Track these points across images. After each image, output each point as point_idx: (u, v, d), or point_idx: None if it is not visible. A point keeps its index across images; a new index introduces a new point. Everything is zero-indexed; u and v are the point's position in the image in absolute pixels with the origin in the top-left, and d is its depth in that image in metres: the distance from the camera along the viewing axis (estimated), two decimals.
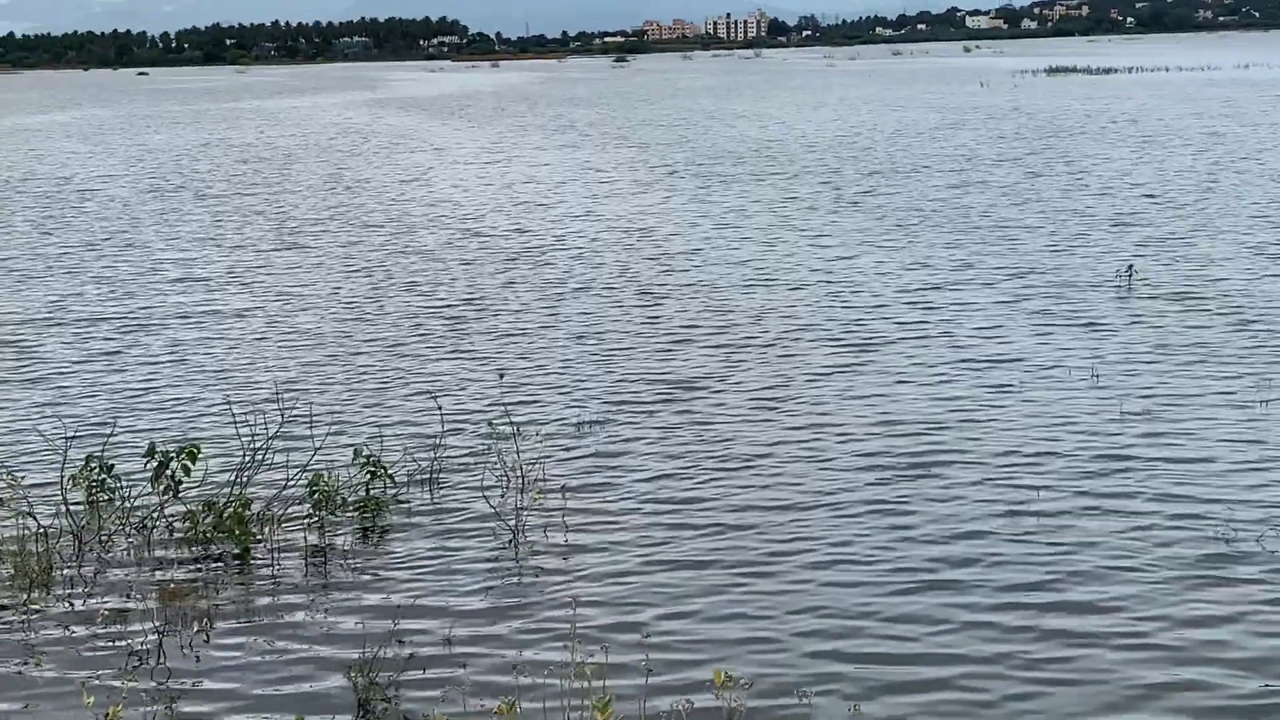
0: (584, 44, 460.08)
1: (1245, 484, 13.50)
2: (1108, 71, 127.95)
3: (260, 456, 13.97)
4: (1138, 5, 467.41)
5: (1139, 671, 9.72)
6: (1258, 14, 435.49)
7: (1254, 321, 20.77)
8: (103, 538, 12.91)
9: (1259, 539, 12.03)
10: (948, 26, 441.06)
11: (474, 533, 13.12)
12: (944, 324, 21.49)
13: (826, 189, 41.46)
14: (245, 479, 13.43)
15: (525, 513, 13.48)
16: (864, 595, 11.22)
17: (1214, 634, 10.27)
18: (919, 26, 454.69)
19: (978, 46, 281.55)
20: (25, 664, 10.42)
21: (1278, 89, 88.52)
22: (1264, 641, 10.13)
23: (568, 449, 15.69)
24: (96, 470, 13.74)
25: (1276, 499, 13.01)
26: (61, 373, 20.28)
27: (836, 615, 10.87)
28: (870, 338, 20.74)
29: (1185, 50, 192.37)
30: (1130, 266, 24.84)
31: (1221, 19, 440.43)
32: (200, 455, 13.36)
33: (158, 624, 10.92)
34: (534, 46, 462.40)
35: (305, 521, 13.23)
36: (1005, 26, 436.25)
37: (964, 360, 19.08)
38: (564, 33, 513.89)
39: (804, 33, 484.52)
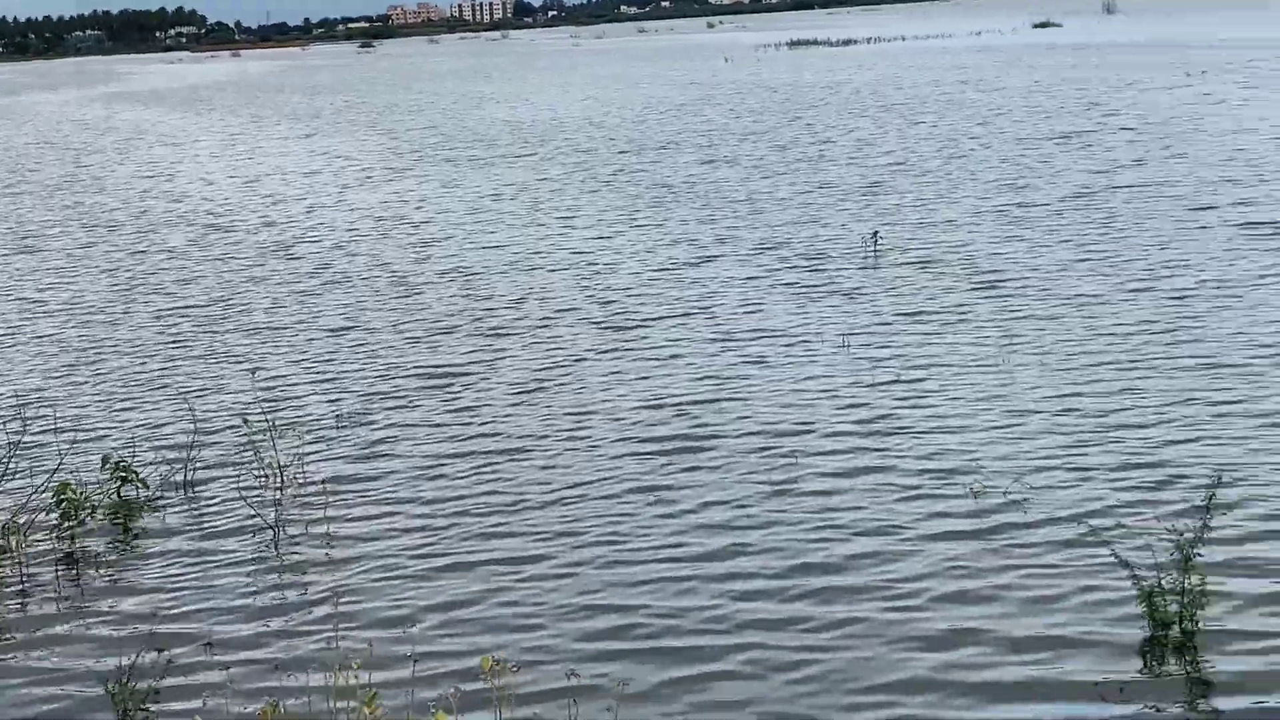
0: (327, 31, 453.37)
1: (996, 443, 13.86)
2: (847, 43, 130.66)
3: (2, 468, 13.42)
4: None
5: (911, 634, 9.89)
6: None
7: (998, 283, 21.38)
8: None
9: (1006, 494, 12.35)
10: (691, 3, 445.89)
11: (233, 534, 12.80)
12: (702, 300, 21.67)
13: (579, 169, 41.53)
14: None
15: (286, 511, 13.20)
16: (635, 577, 11.22)
17: (983, 586, 10.51)
18: (663, 4, 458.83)
19: (721, 22, 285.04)
20: None
21: (1008, 54, 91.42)
22: (1025, 593, 10.41)
23: (328, 445, 15.42)
24: None
25: (1025, 457, 13.38)
26: None
27: (608, 598, 10.85)
28: (631, 318, 20.80)
29: (920, 19, 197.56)
30: (875, 234, 25.36)
31: None
32: None
33: None
34: (276, 35, 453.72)
35: (54, 532, 12.75)
36: (747, 2, 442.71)
37: (723, 336, 19.26)
38: (306, 20, 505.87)
39: (549, 13, 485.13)
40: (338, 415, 16.54)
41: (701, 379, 17.07)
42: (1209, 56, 73.56)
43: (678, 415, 15.57)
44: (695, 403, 16.00)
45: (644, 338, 19.48)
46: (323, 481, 13.92)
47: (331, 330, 21.43)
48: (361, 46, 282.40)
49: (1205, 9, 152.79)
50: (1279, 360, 16.03)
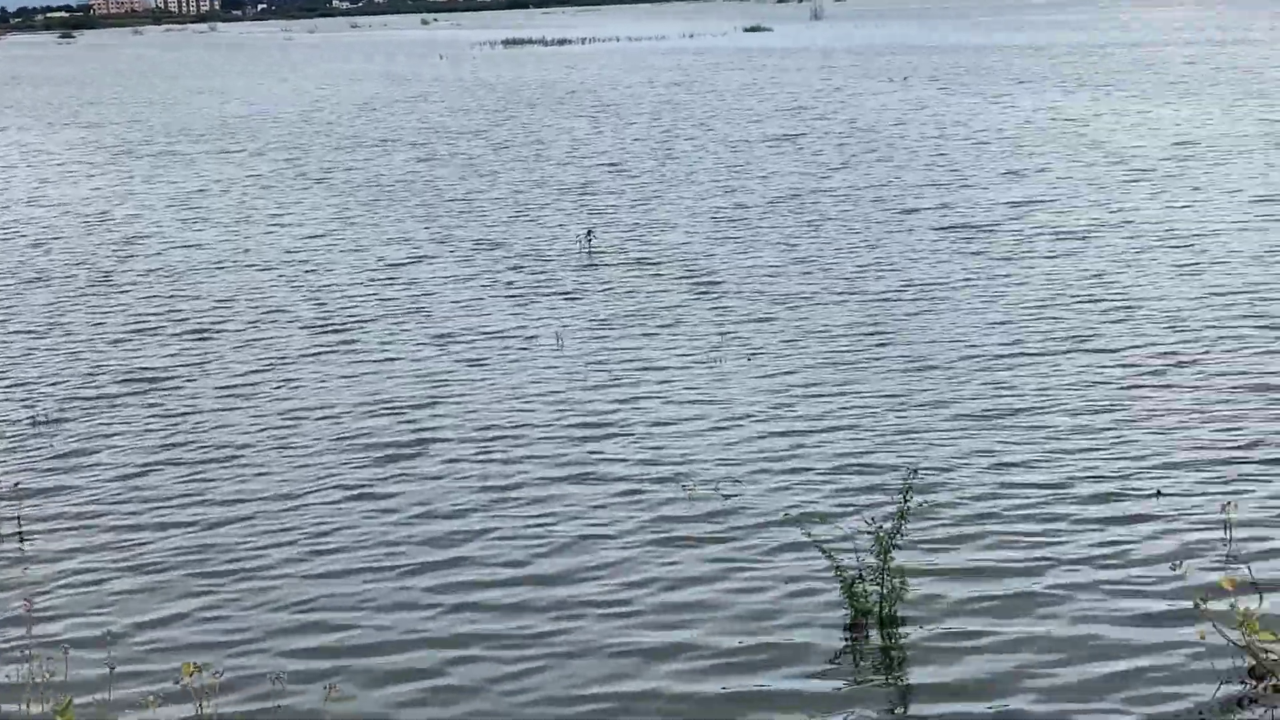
0: (25, 20, 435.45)
1: (709, 442, 14.02)
2: (562, 43, 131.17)
3: None
4: None
5: (630, 638, 9.92)
6: None
7: (711, 284, 21.68)
8: None
9: (720, 491, 12.52)
10: (405, 0, 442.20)
11: None
12: (417, 301, 21.44)
13: (291, 165, 40.76)
14: None
15: None
16: (348, 583, 11.00)
17: (699, 594, 10.59)
18: (376, 0, 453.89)
19: (435, 19, 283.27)
20: None
21: (719, 56, 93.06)
22: (738, 582, 10.55)
23: (24, 451, 14.74)
24: None
25: (738, 455, 13.57)
26: None
27: (319, 605, 10.62)
28: (345, 319, 20.45)
29: (635, 21, 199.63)
30: (589, 233, 25.49)
31: None
32: None
33: None
34: None
35: None
36: (461, 0, 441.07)
37: (439, 336, 19.08)
38: (3, 9, 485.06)
39: (259, 6, 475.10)
40: (34, 419, 15.86)
41: (417, 381, 16.87)
42: (910, 61, 76.13)
43: (394, 419, 15.34)
44: (411, 406, 15.79)
45: (358, 339, 19.16)
46: (16, 488, 13.29)
47: (29, 331, 20.55)
48: (61, 37, 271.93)
49: (906, 16, 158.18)
50: (980, 360, 16.58)
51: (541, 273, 23.19)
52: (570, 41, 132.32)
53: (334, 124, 54.44)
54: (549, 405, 15.62)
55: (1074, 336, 17.32)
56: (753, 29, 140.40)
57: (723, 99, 57.44)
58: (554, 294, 21.53)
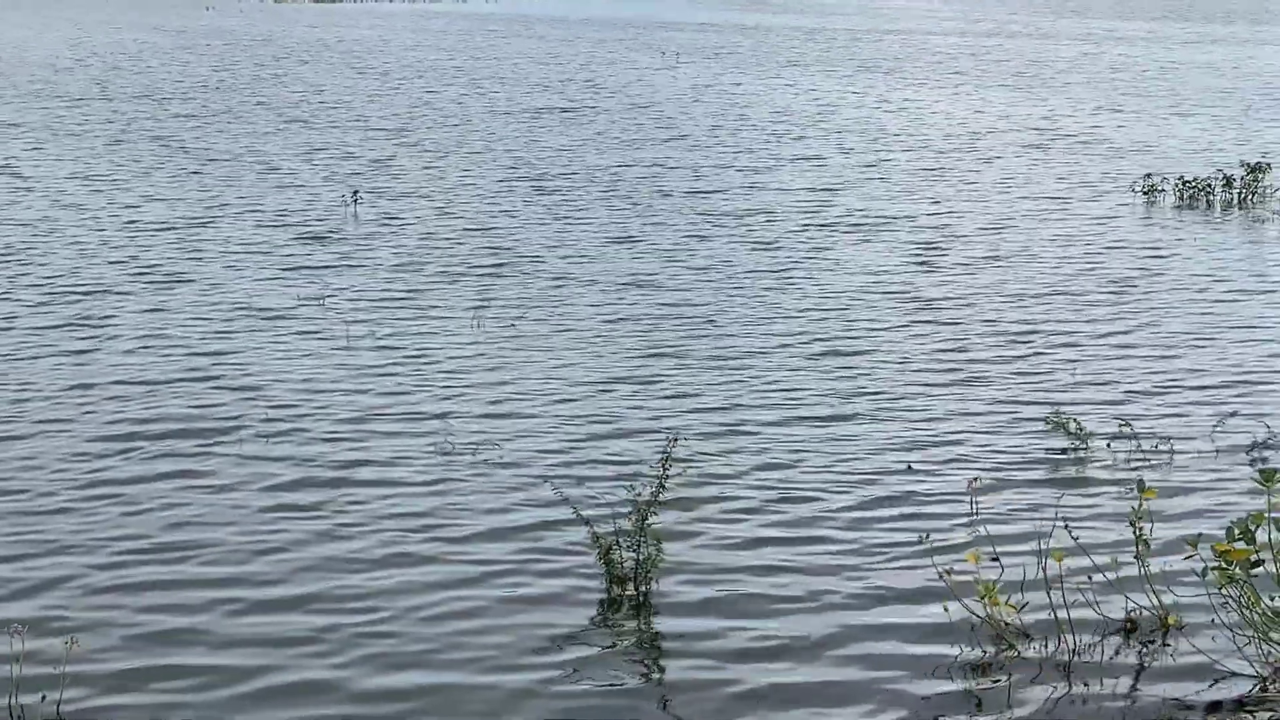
0: None
1: (469, 407, 13.97)
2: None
3: None
4: None
5: (384, 603, 9.82)
6: None
7: (482, 252, 21.59)
8: None
9: (480, 456, 12.49)
10: None
11: None
12: (180, 268, 20.68)
13: (40, 119, 39.23)
14: None
15: None
16: (72, 569, 10.65)
17: (456, 546, 10.54)
18: None
19: None
20: None
21: (494, 22, 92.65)
22: (500, 563, 10.51)
23: None
24: None
25: (498, 423, 13.53)
26: None
27: (61, 615, 10.27)
28: (98, 290, 19.33)
29: None
30: (356, 193, 25.21)
31: None
32: None
33: None
34: None
35: None
36: None
37: (205, 307, 18.40)
38: None
39: None
40: None
41: (182, 355, 16.15)
42: (681, 37, 76.83)
43: (155, 399, 14.55)
44: (174, 382, 15.04)
45: (114, 314, 18.22)
46: None
47: None
48: None
49: None
50: (744, 339, 16.79)
51: (309, 235, 22.77)
52: None
53: (91, 75, 52.64)
54: (328, 383, 15.19)
55: (838, 320, 17.62)
56: None
57: (501, 65, 57.18)
58: (320, 259, 21.17)
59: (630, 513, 9.91)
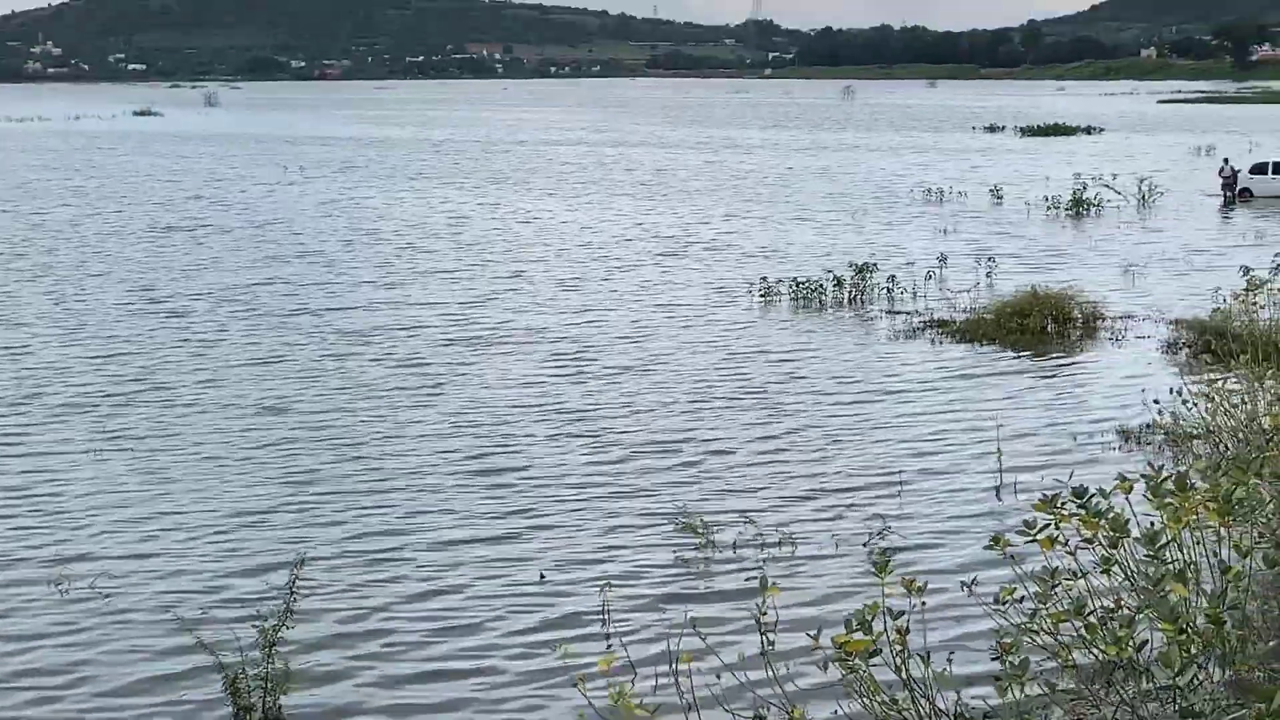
0: None
1: (84, 538, 13.39)
2: None
3: None
4: None
5: None
6: (87, 67, 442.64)
7: (87, 379, 20.80)
8: None
9: (93, 587, 11.98)
10: None
11: None
12: None
13: None
14: None
15: None
16: None
17: (65, 680, 10.04)
18: None
19: None
20: None
21: (110, 139, 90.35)
22: (108, 683, 10.05)
23: None
24: None
25: (123, 552, 13.03)
26: None
27: None
28: None
29: (18, 101, 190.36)
30: None
31: (51, 69, 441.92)
32: None
33: None
34: None
35: None
36: None
37: None
38: None
39: None
40: None
41: None
42: (306, 151, 76.33)
43: None
44: None
45: None
46: None
47: None
48: None
49: (298, 106, 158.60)
50: (364, 457, 16.62)
51: None
52: None
53: None
54: None
55: (488, 435, 17.53)
56: (143, 113, 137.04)
57: (117, 184, 55.58)
58: None
59: (257, 640, 9.61)
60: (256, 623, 9.75)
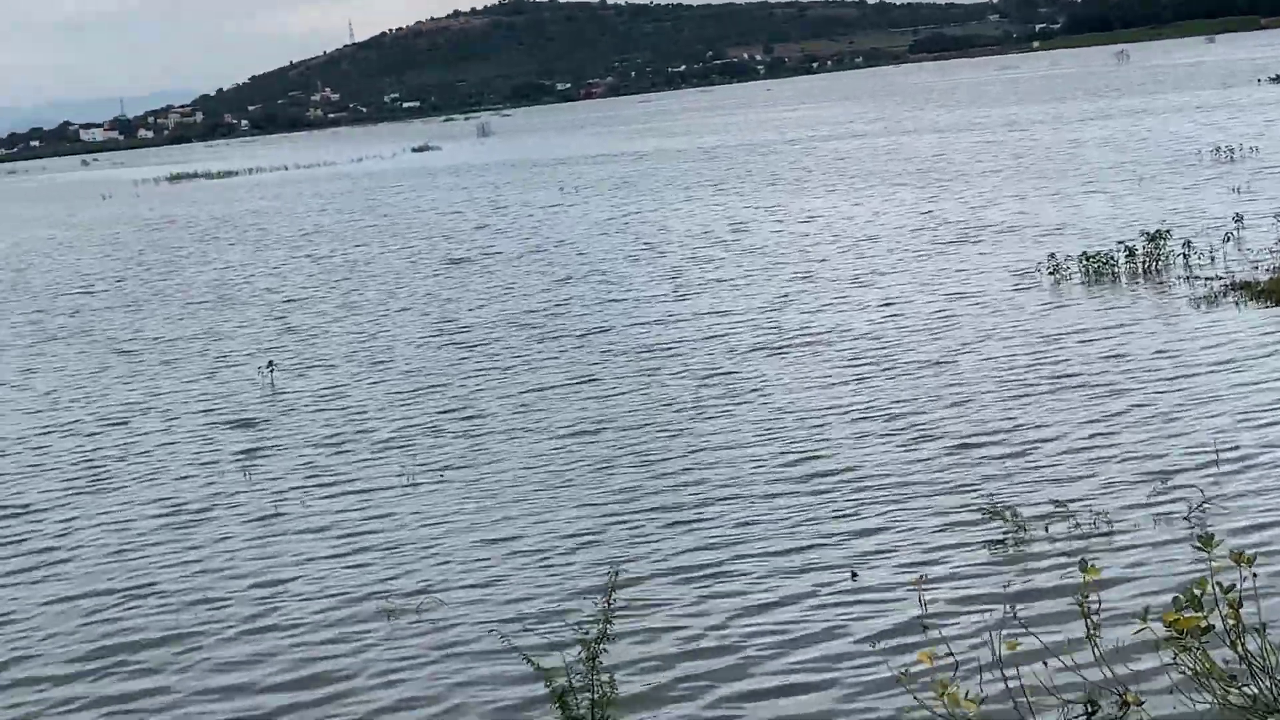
0: None
1: (407, 560, 13.84)
2: (228, 174, 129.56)
3: None
4: (250, 109, 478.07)
5: None
6: (364, 109, 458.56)
7: (402, 404, 21.46)
8: None
9: (420, 610, 12.36)
10: (63, 142, 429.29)
11: None
12: (114, 456, 20.56)
13: None
14: None
15: None
16: None
17: (397, 700, 10.40)
18: (33, 144, 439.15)
19: (95, 159, 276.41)
20: None
21: (389, 178, 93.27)
22: (440, 705, 10.36)
23: None
24: None
25: (439, 571, 13.43)
26: None
27: None
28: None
29: (301, 148, 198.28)
30: (270, 364, 25.09)
31: (331, 115, 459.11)
32: None
33: None
34: None
35: None
36: (122, 138, 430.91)
37: (134, 486, 18.29)
38: None
39: None
40: None
41: (132, 557, 16.11)
42: (576, 171, 77.62)
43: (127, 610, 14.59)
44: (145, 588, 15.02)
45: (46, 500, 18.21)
46: None
47: None
48: None
49: (565, 128, 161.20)
50: (674, 464, 16.77)
51: (227, 406, 22.65)
52: (236, 173, 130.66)
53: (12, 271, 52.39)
54: (251, 537, 15.19)
55: (764, 435, 17.64)
56: (420, 149, 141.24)
57: (406, 222, 57.41)
58: (237, 423, 21.09)
59: (580, 651, 9.77)
60: (579, 639, 9.87)
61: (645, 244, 40.09)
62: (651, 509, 14.82)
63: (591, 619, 10.30)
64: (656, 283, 32.00)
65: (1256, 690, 8.16)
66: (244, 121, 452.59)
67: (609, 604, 9.89)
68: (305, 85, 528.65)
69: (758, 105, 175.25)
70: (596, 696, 9.63)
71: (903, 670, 9.20)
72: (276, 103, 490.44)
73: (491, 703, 10.37)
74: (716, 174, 65.59)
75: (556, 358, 24.28)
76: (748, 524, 13.95)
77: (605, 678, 9.67)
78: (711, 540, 13.51)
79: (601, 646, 9.72)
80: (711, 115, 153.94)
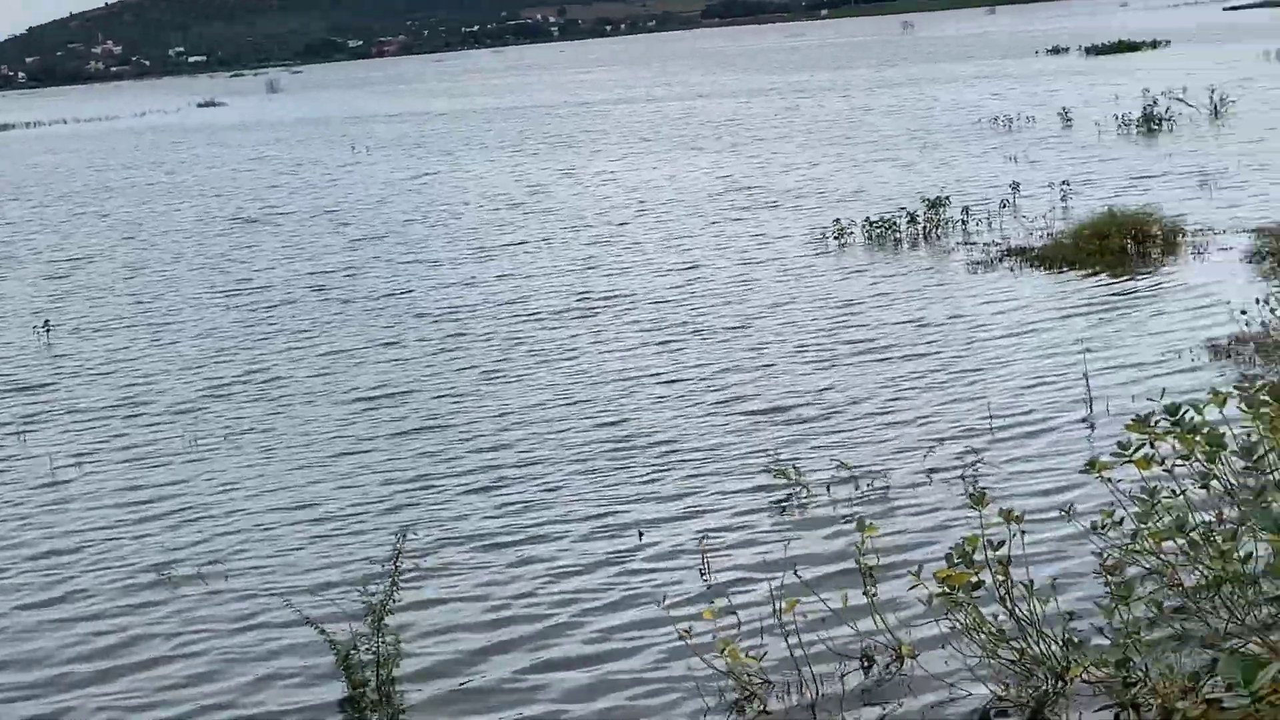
0: None
1: (188, 526, 13.66)
2: (4, 128, 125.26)
3: None
4: (28, 60, 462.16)
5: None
6: (148, 63, 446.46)
7: (182, 367, 21.10)
8: None
9: (201, 575, 12.23)
10: None
11: None
12: None
13: None
14: None
15: None
16: None
17: (187, 672, 10.30)
18: None
19: None
20: None
21: (177, 134, 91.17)
22: (236, 678, 10.27)
23: None
24: None
25: (222, 536, 13.27)
26: None
27: None
28: None
29: (81, 101, 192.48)
30: (46, 322, 24.52)
31: (113, 68, 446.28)
32: None
33: None
34: None
35: None
36: None
37: None
38: None
39: None
40: None
41: None
42: (369, 130, 76.72)
43: None
44: None
45: None
46: None
47: None
48: None
49: (352, 86, 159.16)
50: (462, 429, 16.77)
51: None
52: (13, 127, 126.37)
53: None
54: (30, 506, 14.82)
55: (567, 400, 17.68)
56: (207, 104, 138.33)
57: (190, 175, 56.17)
58: (12, 388, 20.54)
59: (365, 613, 9.76)
60: (367, 605, 9.85)
61: (443, 205, 39.88)
62: (454, 474, 14.75)
63: (379, 580, 10.27)
64: (456, 244, 31.88)
65: (1024, 645, 8.51)
66: (20, 74, 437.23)
67: (396, 568, 9.91)
68: (86, 37, 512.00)
69: (553, 67, 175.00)
70: (383, 663, 9.65)
71: (685, 629, 9.37)
72: (55, 55, 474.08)
73: (281, 673, 10.28)
74: (513, 135, 65.41)
75: (354, 320, 24.08)
76: (553, 489, 13.97)
77: (391, 639, 9.67)
78: (513, 506, 13.53)
79: (387, 611, 9.73)
80: (506, 76, 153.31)
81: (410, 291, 26.36)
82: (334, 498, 14.36)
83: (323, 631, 9.87)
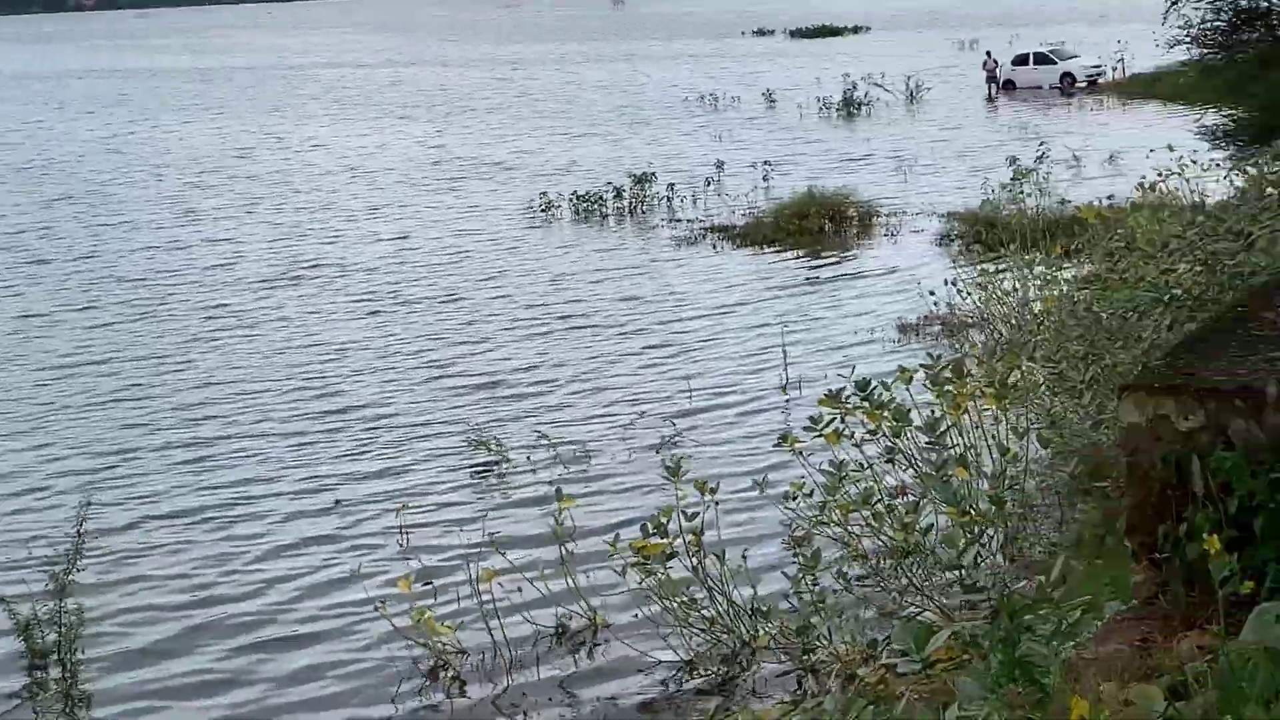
0: None
1: None
2: None
3: None
4: None
5: None
6: None
7: None
8: None
9: None
10: None
11: None
12: None
13: None
14: None
15: None
16: None
17: None
18: None
19: None
20: None
21: None
22: None
23: None
24: None
25: None
26: None
27: None
28: None
29: None
30: None
31: None
32: None
33: None
34: None
35: None
36: None
37: None
38: None
39: None
40: None
41: None
42: (68, 87, 73.86)
43: None
44: None
45: None
46: None
47: None
48: None
49: (48, 40, 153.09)
50: (155, 401, 16.33)
51: None
52: None
53: None
54: None
55: (274, 369, 17.32)
56: None
57: None
58: None
59: (49, 586, 9.40)
60: (50, 572, 9.50)
61: (144, 167, 38.69)
62: (156, 448, 14.31)
63: (65, 545, 9.89)
64: (157, 207, 30.97)
65: (715, 612, 8.67)
66: None
67: (79, 534, 9.58)
68: None
69: (260, 28, 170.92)
70: (64, 630, 9.32)
71: (381, 601, 9.30)
72: None
73: None
74: (217, 97, 63.78)
75: (48, 282, 23.16)
76: (257, 460, 13.73)
77: (74, 609, 9.33)
78: (216, 478, 13.21)
79: (70, 578, 9.39)
80: (210, 36, 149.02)
81: (110, 254, 25.55)
82: (26, 470, 13.82)
83: (3, 600, 9.47)
